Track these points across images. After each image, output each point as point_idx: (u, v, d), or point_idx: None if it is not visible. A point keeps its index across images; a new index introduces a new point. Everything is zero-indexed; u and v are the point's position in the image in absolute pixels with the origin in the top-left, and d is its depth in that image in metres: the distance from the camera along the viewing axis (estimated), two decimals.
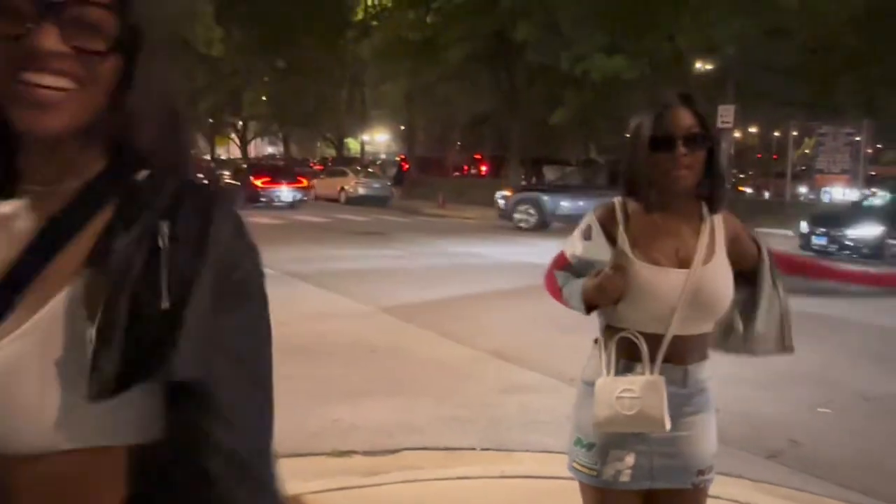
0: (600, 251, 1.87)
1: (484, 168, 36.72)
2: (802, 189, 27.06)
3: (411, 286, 9.30)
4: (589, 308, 1.89)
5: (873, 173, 26.56)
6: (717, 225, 1.88)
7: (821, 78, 19.53)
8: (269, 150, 67.92)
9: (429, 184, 30.21)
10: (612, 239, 1.87)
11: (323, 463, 4.09)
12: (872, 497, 3.80)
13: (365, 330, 7.09)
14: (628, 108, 26.84)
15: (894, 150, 73.01)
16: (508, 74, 26.03)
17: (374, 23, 31.21)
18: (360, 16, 32.43)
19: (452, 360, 6.12)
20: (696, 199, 1.88)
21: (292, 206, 23.45)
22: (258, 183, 23.86)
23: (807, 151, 30.53)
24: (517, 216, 18.27)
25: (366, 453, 4.21)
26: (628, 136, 1.89)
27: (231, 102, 44.51)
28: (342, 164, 38.02)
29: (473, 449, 4.31)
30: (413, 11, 27.66)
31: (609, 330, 1.89)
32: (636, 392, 1.79)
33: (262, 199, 22.93)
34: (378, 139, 63.50)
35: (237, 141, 53.40)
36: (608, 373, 1.86)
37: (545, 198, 18.00)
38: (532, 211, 17.97)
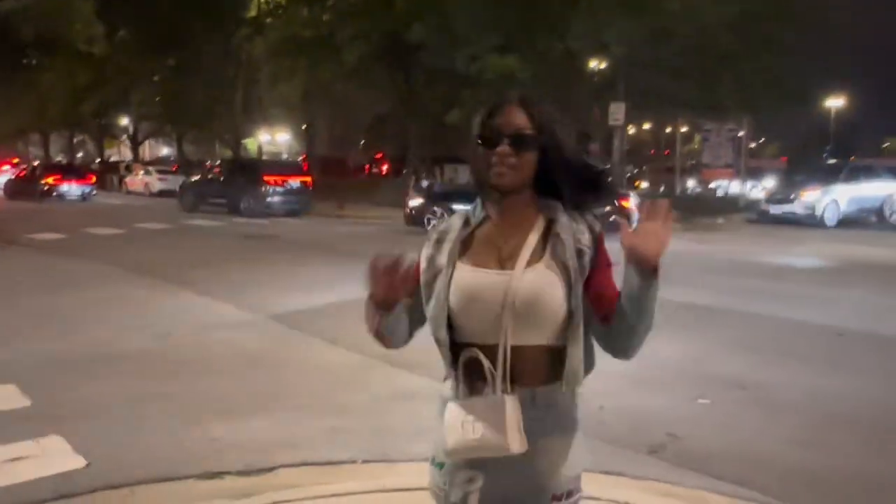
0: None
1: (385, 167, 36.57)
2: (690, 183, 28.23)
3: (302, 292, 9.05)
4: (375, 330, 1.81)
5: (754, 166, 28.00)
6: (562, 228, 1.78)
7: (702, 77, 20.40)
8: (165, 151, 65.56)
9: (329, 185, 29.69)
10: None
11: (191, 486, 3.87)
12: (744, 486, 3.89)
13: (250, 340, 6.84)
14: None
15: (776, 144, 77.37)
16: (405, 75, 25.94)
17: (269, 20, 30.46)
18: (253, 12, 31.57)
19: (339, 369, 5.96)
20: (534, 201, 1.80)
21: (83, 198, 27.60)
22: (49, 180, 27.64)
23: (696, 147, 31.90)
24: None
25: (240, 473, 4.01)
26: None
27: (119, 102, 42.60)
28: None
29: (355, 462, 4.18)
30: (307, 9, 27.17)
31: (454, 346, 1.77)
32: (479, 415, 1.69)
33: (54, 195, 26.94)
34: (279, 139, 62.29)
35: (128, 142, 51.23)
36: (456, 395, 1.76)
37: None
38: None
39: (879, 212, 19.38)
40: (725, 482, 3.95)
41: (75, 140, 56.58)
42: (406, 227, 17.59)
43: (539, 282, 1.69)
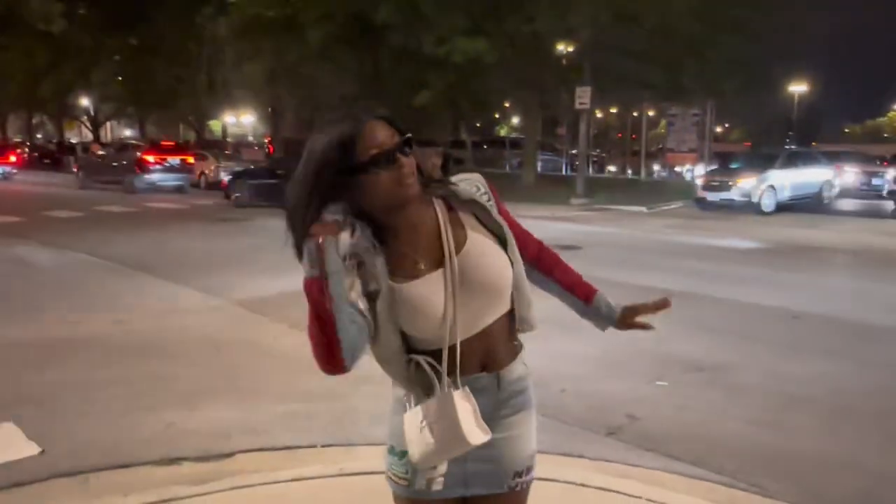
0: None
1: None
2: (656, 167, 28.49)
3: (267, 276, 8.96)
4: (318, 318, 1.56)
5: (718, 151, 28.29)
6: (461, 197, 1.73)
7: (667, 62, 20.52)
8: (127, 132, 64.48)
9: (294, 166, 29.29)
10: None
11: (148, 473, 3.82)
12: (699, 467, 3.95)
13: (212, 325, 6.76)
14: (492, 90, 27.43)
15: (741, 129, 78.41)
16: (372, 56, 25.72)
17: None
18: None
19: (301, 353, 5.84)
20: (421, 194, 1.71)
21: (4, 178, 28.85)
22: None
23: (661, 131, 32.16)
24: None
25: (197, 459, 3.97)
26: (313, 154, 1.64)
27: (79, 82, 41.68)
28: (205, 147, 36.48)
29: (314, 446, 4.16)
30: None
31: (391, 368, 1.73)
32: (431, 417, 1.67)
33: None
34: (244, 121, 61.50)
35: (87, 124, 50.19)
36: (409, 404, 1.73)
37: None
38: None
39: (818, 196, 19.77)
40: (683, 462, 4.01)
41: (34, 121, 55.30)
42: None
43: (474, 258, 1.68)
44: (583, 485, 3.66)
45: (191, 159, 26.98)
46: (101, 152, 29.63)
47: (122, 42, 37.50)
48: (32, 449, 4.02)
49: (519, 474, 1.83)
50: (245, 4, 26.75)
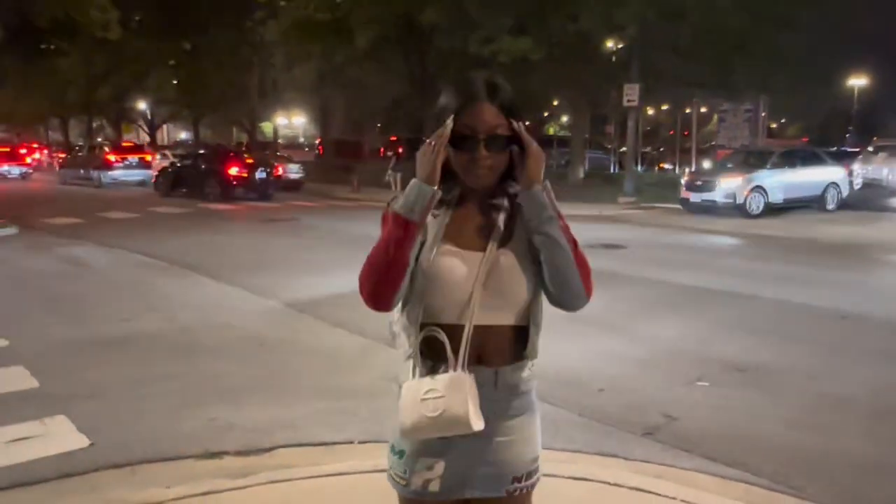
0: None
1: (401, 150, 36.50)
2: (706, 164, 27.97)
3: (312, 275, 9.12)
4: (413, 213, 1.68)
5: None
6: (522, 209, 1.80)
7: (715, 58, 20.13)
8: (183, 135, 65.87)
9: (343, 168, 29.78)
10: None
11: (191, 466, 3.95)
12: (735, 468, 3.90)
13: (257, 323, 6.91)
14: (539, 89, 27.29)
15: (798, 125, 76.37)
16: (419, 57, 25.84)
17: (283, 3, 30.41)
18: None
19: (342, 351, 6.02)
20: (499, 182, 1.79)
21: (23, 177, 32.37)
22: None
23: (713, 128, 31.55)
24: None
25: (238, 453, 4.09)
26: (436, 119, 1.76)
27: (136, 87, 42.84)
28: (258, 148, 37.14)
29: (351, 442, 4.24)
30: None
31: (412, 326, 1.77)
32: (440, 391, 1.69)
33: None
34: (296, 122, 62.35)
35: (144, 127, 51.54)
36: (414, 374, 1.76)
37: None
38: None
39: (821, 199, 17.81)
40: (720, 464, 3.97)
41: (94, 125, 57.00)
42: None
43: (511, 261, 1.72)
44: (616, 485, 3.65)
45: (148, 157, 30.30)
46: (79, 154, 33.12)
47: (176, 47, 38.42)
48: (82, 441, 4.19)
49: (518, 479, 1.82)
50: (294, 8, 27.17)
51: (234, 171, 22.02)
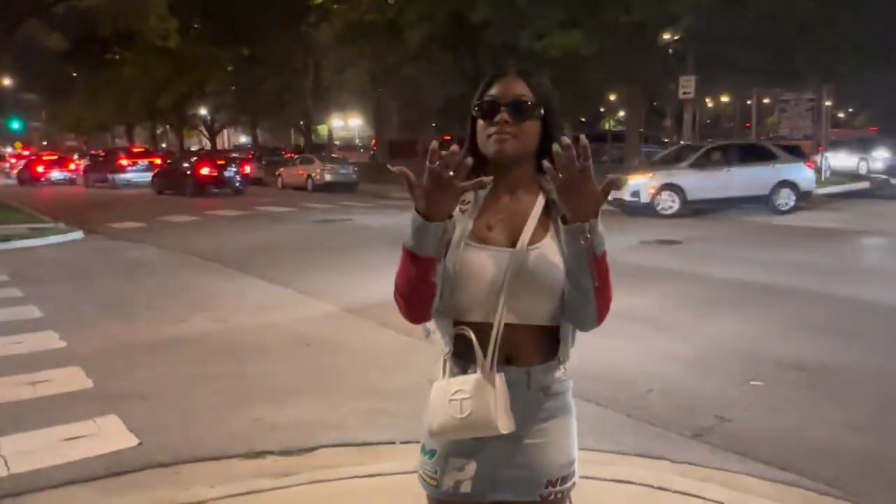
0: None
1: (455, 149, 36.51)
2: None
3: (361, 275, 9.16)
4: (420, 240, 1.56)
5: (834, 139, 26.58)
6: (556, 210, 1.74)
7: (777, 45, 19.47)
8: (242, 139, 67.33)
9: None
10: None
11: (235, 466, 3.98)
12: (790, 472, 3.74)
13: (304, 323, 6.96)
14: (592, 83, 26.95)
15: (866, 114, 73.63)
16: (470, 55, 25.78)
17: (335, 6, 30.75)
18: (319, 0, 31.95)
19: (387, 351, 6.01)
20: (535, 175, 1.74)
21: (68, 182, 35.03)
22: (38, 168, 36.39)
23: (775, 119, 30.61)
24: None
25: (281, 453, 4.11)
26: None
27: (196, 93, 43.92)
28: (312, 150, 37.67)
29: (393, 443, 4.21)
30: None
31: (440, 323, 1.74)
32: (467, 392, 1.65)
33: (42, 180, 34.94)
34: (352, 124, 63.00)
35: (205, 132, 52.82)
36: (443, 374, 1.73)
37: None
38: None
39: (769, 200, 15.77)
40: (773, 468, 3.81)
41: (158, 131, 58.69)
42: None
43: (542, 259, 1.66)
44: (661, 488, 3.54)
45: (157, 160, 32.63)
46: (100, 158, 36.26)
47: (234, 53, 39.23)
48: (131, 440, 4.27)
49: (553, 483, 1.75)
50: (346, 10, 27.44)
51: (205, 171, 25.52)
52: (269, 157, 36.27)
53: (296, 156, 34.23)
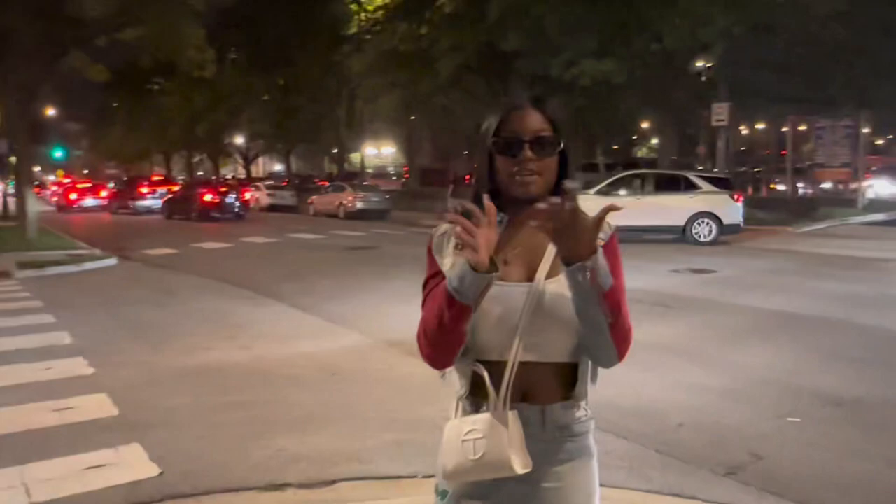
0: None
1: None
2: (800, 185, 26.66)
3: (389, 304, 9.13)
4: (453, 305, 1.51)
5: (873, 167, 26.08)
6: None
7: (811, 71, 19.25)
8: (277, 167, 68.24)
9: (430, 195, 30.10)
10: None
11: (255, 498, 3.94)
12: None
13: (332, 352, 6.92)
14: (625, 111, 26.86)
15: None
16: (502, 83, 25.89)
17: (368, 36, 31.18)
18: (353, 30, 32.43)
19: (412, 381, 5.93)
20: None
21: (103, 208, 36.94)
22: (71, 196, 38.93)
23: (812, 146, 30.14)
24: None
25: (301, 486, 4.05)
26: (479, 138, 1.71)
27: (232, 122, 44.73)
28: (345, 178, 38.05)
29: (415, 476, 4.13)
30: (405, 23, 27.64)
31: (460, 361, 1.66)
32: (480, 432, 1.59)
33: (75, 207, 37.75)
34: (385, 152, 63.56)
35: (240, 160, 53.67)
36: (456, 414, 1.67)
37: None
38: None
39: (684, 232, 15.61)
40: None
41: (194, 160, 59.80)
42: None
43: (560, 294, 1.59)
44: None
45: (174, 189, 34.68)
46: (122, 188, 38.91)
47: (269, 82, 39.95)
48: (153, 470, 4.24)
49: None
50: (380, 40, 27.78)
51: (208, 197, 27.70)
52: (302, 184, 36.76)
53: (328, 184, 34.61)
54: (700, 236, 15.59)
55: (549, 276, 1.61)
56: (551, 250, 1.62)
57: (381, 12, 30.17)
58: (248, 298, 9.93)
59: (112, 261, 14.45)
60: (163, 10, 19.68)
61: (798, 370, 5.97)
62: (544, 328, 1.60)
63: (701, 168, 37.73)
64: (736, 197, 16.22)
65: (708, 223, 15.67)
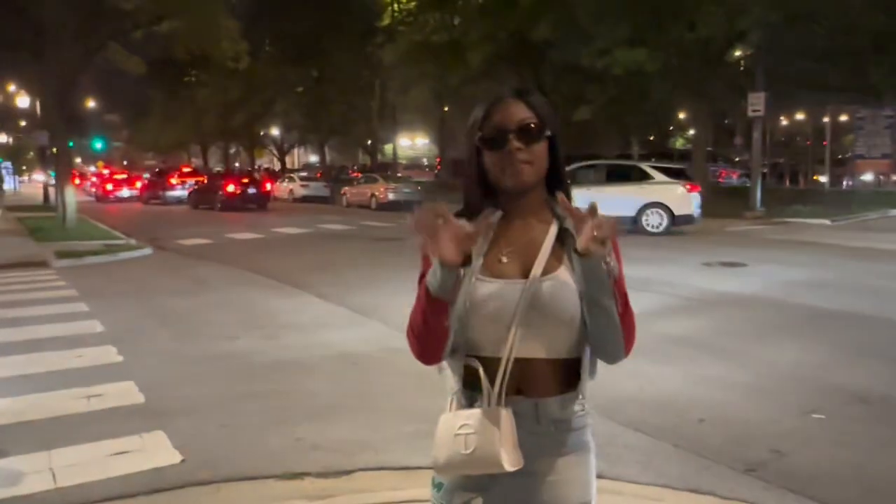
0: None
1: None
2: (823, 178, 26.07)
3: (413, 295, 9.14)
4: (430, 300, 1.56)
5: None
6: (569, 240, 1.67)
7: (852, 60, 18.75)
8: (312, 158, 68.78)
9: (461, 187, 30.16)
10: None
11: (273, 487, 3.98)
12: None
13: (354, 342, 6.97)
14: (658, 101, 26.49)
15: None
16: (533, 73, 25.73)
17: (401, 28, 31.21)
18: (386, 21, 32.51)
19: (433, 373, 5.91)
20: (545, 199, 1.68)
21: (137, 198, 37.75)
22: (108, 186, 40.37)
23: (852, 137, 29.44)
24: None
25: (318, 475, 4.09)
26: (466, 134, 1.70)
27: (266, 113, 45.15)
28: (378, 169, 38.22)
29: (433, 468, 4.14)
30: (438, 14, 27.62)
31: (452, 356, 1.68)
32: (473, 427, 1.59)
33: (111, 197, 38.99)
34: (418, 143, 63.65)
35: (275, 151, 54.16)
36: (450, 407, 1.68)
37: None
38: None
39: (635, 222, 15.75)
40: None
41: (231, 151, 60.51)
42: None
43: (557, 289, 1.59)
44: None
45: (204, 180, 35.20)
46: (152, 179, 39.89)
47: (303, 74, 40.22)
48: (175, 457, 4.32)
49: None
50: (412, 31, 27.79)
51: (230, 188, 29.06)
52: (336, 175, 36.97)
53: (360, 175, 34.78)
54: (650, 227, 15.76)
55: (546, 272, 1.60)
56: (548, 246, 1.62)
57: (413, 3, 30.19)
58: (276, 288, 10.04)
59: (147, 251, 14.71)
60: (198, 3, 19.90)
61: (825, 366, 5.86)
62: (540, 324, 1.59)
63: (738, 159, 37.23)
64: (689, 188, 16.30)
65: (659, 213, 15.88)
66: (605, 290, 1.53)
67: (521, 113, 1.61)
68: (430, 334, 1.59)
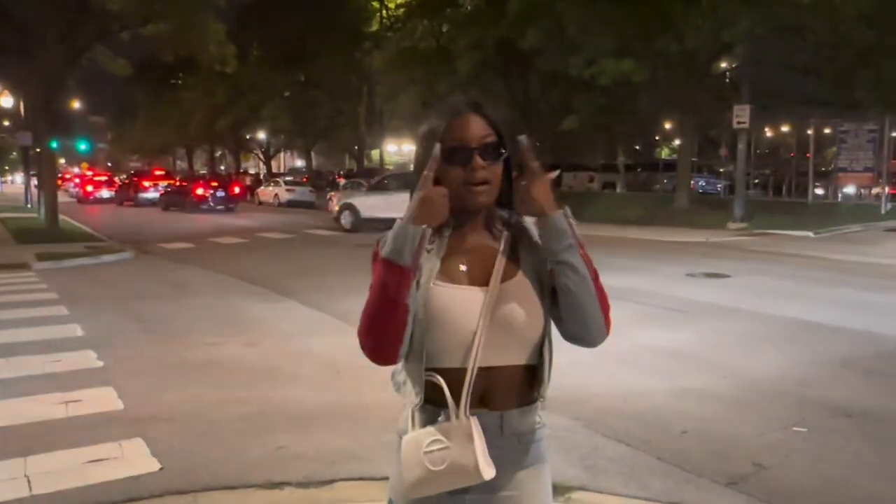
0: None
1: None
2: (819, 191, 26.29)
3: None
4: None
5: None
6: (530, 236, 1.64)
7: (836, 74, 18.93)
8: (298, 163, 68.60)
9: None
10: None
11: (252, 496, 3.94)
12: None
13: (337, 349, 6.91)
14: (644, 112, 26.66)
15: None
16: (521, 82, 25.81)
17: (389, 34, 31.23)
18: (375, 27, 32.52)
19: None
20: (496, 210, 1.66)
21: (109, 200, 38.94)
22: (88, 188, 41.29)
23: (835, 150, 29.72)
24: None
25: (299, 484, 4.04)
26: (417, 146, 1.66)
27: (252, 117, 44.99)
28: (363, 175, 38.12)
29: None
30: (426, 21, 27.65)
31: (410, 371, 1.64)
32: (444, 442, 1.55)
33: (90, 199, 39.82)
34: (406, 149, 63.65)
35: (261, 155, 53.97)
36: (413, 425, 1.62)
37: None
38: None
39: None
40: None
41: (216, 154, 60.23)
42: None
43: (517, 295, 1.58)
44: None
45: (175, 182, 36.64)
46: (125, 182, 41.42)
47: (290, 78, 40.12)
48: (153, 465, 4.26)
49: None
50: (400, 37, 27.80)
51: (199, 191, 30.47)
52: (321, 181, 36.86)
53: (344, 181, 34.70)
54: None
55: (505, 278, 1.59)
56: (504, 253, 1.61)
57: (402, 10, 30.21)
58: (258, 294, 9.97)
59: (128, 254, 14.58)
60: (185, 5, 19.81)
61: (808, 379, 5.88)
62: (503, 331, 1.57)
63: (722, 170, 37.45)
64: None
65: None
66: (571, 246, 1.53)
67: (481, 129, 1.58)
68: (389, 317, 1.53)
